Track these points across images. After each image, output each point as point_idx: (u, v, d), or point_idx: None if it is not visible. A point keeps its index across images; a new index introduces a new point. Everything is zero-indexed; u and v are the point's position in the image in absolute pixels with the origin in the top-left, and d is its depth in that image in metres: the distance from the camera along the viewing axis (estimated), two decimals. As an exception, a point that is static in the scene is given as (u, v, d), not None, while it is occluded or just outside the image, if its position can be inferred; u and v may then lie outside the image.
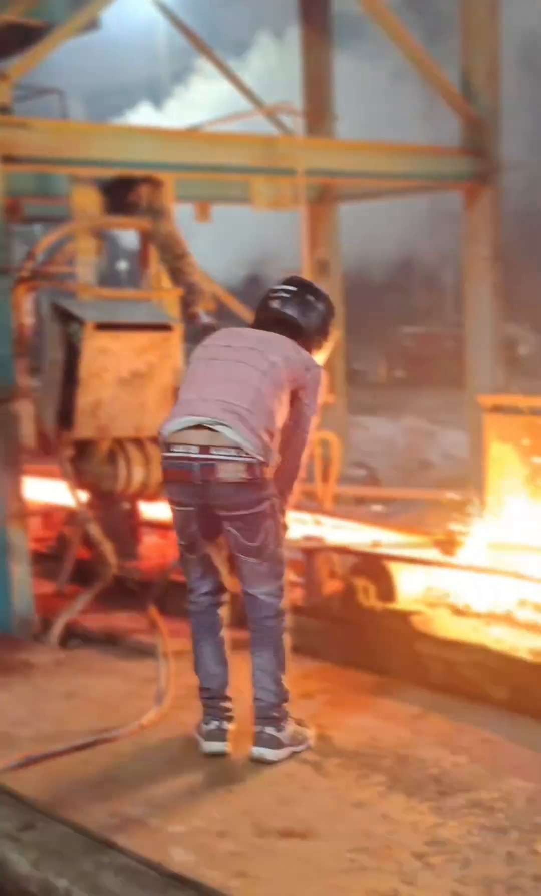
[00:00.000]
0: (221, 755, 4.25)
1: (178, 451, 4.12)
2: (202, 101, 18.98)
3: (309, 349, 4.37)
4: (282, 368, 4.16)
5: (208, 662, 4.36)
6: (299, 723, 4.34)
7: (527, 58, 20.91)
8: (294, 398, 4.23)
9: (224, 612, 4.40)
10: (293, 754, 4.22)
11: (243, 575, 4.25)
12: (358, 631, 5.51)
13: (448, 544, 5.85)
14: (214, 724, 4.30)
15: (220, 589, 4.37)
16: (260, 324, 4.43)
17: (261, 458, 4.05)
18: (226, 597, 4.41)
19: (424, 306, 24.65)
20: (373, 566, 5.76)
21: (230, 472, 4.05)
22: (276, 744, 4.16)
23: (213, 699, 4.33)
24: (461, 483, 9.14)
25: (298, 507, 6.48)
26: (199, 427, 4.08)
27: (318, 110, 10.15)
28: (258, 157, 7.68)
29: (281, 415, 4.17)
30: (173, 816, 3.73)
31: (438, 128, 11.21)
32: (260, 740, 4.18)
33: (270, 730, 4.17)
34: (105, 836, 3.59)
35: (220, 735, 4.28)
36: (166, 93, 23.66)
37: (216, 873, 3.34)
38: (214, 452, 4.06)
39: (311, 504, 6.99)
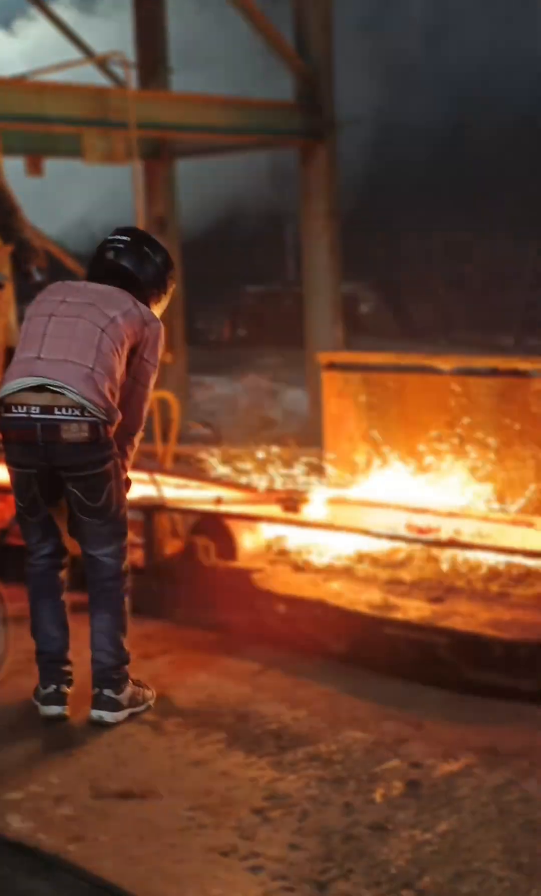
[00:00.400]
0: (60, 719, 4.18)
1: (18, 412, 4.00)
2: (29, 49, 18.44)
3: (146, 302, 4.25)
4: (121, 324, 4.06)
5: (47, 626, 4.27)
6: (139, 684, 4.30)
7: (368, 16, 21.01)
8: (133, 353, 4.15)
9: (64, 574, 4.32)
10: (133, 716, 4.18)
11: (84, 536, 4.17)
12: (199, 590, 5.50)
13: (291, 501, 5.88)
14: (52, 688, 4.22)
15: (60, 551, 4.29)
16: (94, 276, 4.29)
17: (104, 418, 3.97)
18: (66, 559, 4.33)
19: (266, 265, 24.65)
20: (213, 525, 5.75)
21: (73, 432, 3.95)
22: (115, 706, 4.12)
23: (51, 662, 4.26)
24: (302, 440, 9.22)
25: (139, 467, 6.42)
26: (40, 388, 3.97)
27: (152, 63, 9.98)
28: (90, 108, 7.54)
29: (121, 372, 4.09)
30: (10, 783, 3.66)
31: (281, 88, 11.20)
32: (98, 703, 4.13)
33: (108, 692, 4.13)
34: None
35: (58, 698, 4.21)
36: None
37: (53, 838, 3.29)
38: (57, 413, 3.96)
39: (151, 464, 6.93)
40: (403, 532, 5.46)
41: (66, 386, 3.93)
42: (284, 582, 5.21)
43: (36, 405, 3.95)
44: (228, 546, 5.65)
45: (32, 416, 3.97)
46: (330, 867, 3.16)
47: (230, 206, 23.27)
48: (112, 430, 4.03)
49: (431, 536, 5.36)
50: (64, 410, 3.95)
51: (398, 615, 4.74)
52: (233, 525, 5.69)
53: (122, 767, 3.80)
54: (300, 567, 5.38)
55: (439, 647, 4.57)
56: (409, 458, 5.99)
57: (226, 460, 9.23)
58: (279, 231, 24.08)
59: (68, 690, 4.24)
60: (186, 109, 8.35)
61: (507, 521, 5.47)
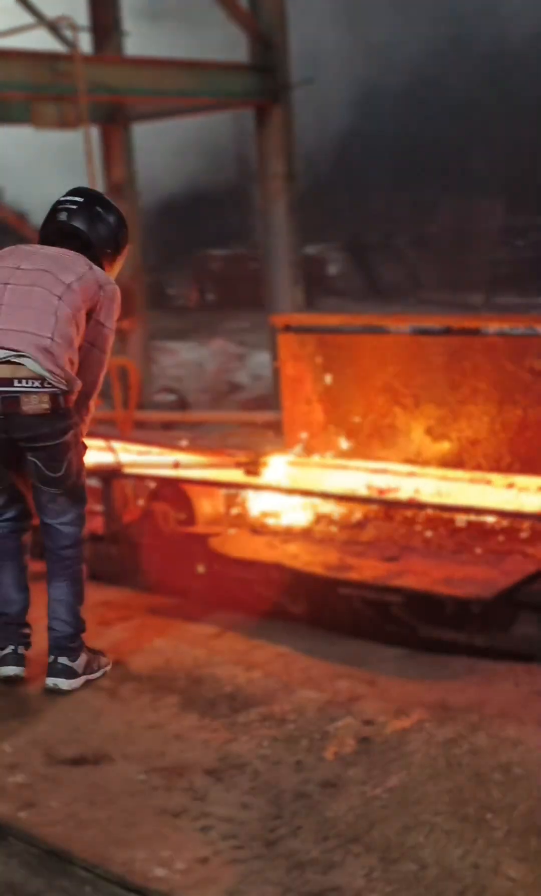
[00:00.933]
0: (15, 680, 4.18)
1: None
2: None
3: (100, 263, 4.19)
4: (77, 289, 4.00)
5: (8, 589, 4.26)
6: (95, 651, 4.32)
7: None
8: (89, 318, 4.09)
9: (27, 538, 4.30)
10: (88, 683, 4.20)
11: (41, 505, 4.14)
12: (157, 556, 5.53)
13: (252, 465, 5.89)
14: (9, 649, 4.22)
15: (24, 516, 4.27)
16: (47, 238, 4.24)
17: (64, 388, 3.94)
18: (29, 523, 4.30)
19: (232, 228, 24.55)
20: (172, 491, 5.77)
21: (34, 404, 3.92)
22: (70, 673, 4.13)
23: (9, 625, 4.25)
24: (267, 404, 9.23)
25: (98, 434, 6.43)
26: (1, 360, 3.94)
27: (105, 26, 9.85)
28: (39, 75, 7.45)
29: (80, 338, 4.07)
30: (-37, 753, 3.68)
31: (236, 51, 11.10)
32: (54, 670, 4.14)
33: (63, 660, 4.14)
34: None
35: (15, 659, 4.21)
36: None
37: (4, 806, 3.31)
38: (17, 385, 3.92)
39: (112, 432, 6.94)
40: (363, 493, 5.50)
41: (24, 355, 3.90)
42: (241, 545, 5.25)
43: None
44: (185, 511, 5.67)
45: None
46: (279, 825, 3.20)
47: (196, 168, 23.11)
48: (72, 399, 4.01)
49: (390, 496, 5.39)
50: (24, 382, 3.92)
51: (353, 575, 4.78)
52: (191, 490, 5.71)
53: (76, 733, 3.82)
54: (257, 530, 5.41)
55: (393, 606, 4.62)
56: (365, 419, 6.00)
57: (191, 425, 9.26)
58: (246, 192, 23.94)
59: (25, 652, 4.24)
60: (139, 73, 8.26)
61: (465, 479, 5.50)
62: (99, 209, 4.22)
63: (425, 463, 5.76)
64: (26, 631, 4.27)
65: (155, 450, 6.53)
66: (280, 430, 6.55)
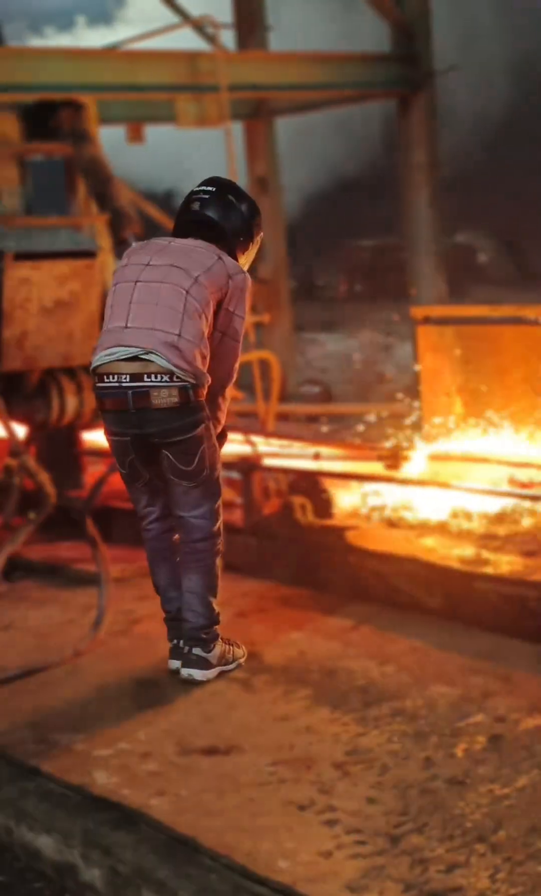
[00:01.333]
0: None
1: (110, 381, 4.06)
2: (141, 18, 18.52)
3: (233, 253, 4.24)
4: (205, 283, 4.06)
5: (166, 587, 4.36)
6: (230, 642, 4.37)
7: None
8: (220, 307, 4.14)
9: (177, 536, 4.35)
10: (223, 674, 4.27)
11: (175, 497, 4.21)
12: (295, 548, 5.56)
13: (393, 458, 5.87)
14: (174, 642, 4.33)
15: (168, 515, 4.33)
16: (181, 227, 4.30)
17: (193, 382, 4.01)
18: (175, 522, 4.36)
19: (381, 217, 24.42)
20: (310, 483, 5.79)
21: (164, 398, 4.00)
22: (204, 664, 4.20)
23: (173, 621, 4.35)
24: (413, 395, 9.16)
25: (238, 428, 6.50)
26: (130, 357, 4.03)
27: (248, 22, 9.92)
28: (181, 74, 7.57)
29: (209, 331, 4.11)
30: (99, 740, 3.78)
31: (376, 38, 11.02)
32: (188, 661, 4.22)
33: (197, 651, 4.21)
34: (31, 763, 3.64)
35: (178, 653, 4.30)
36: (106, 13, 23.15)
37: (136, 793, 3.39)
38: (147, 380, 4.01)
39: (254, 424, 7.01)
40: (505, 487, 5.41)
41: (153, 352, 3.99)
42: (378, 539, 5.24)
43: (126, 374, 4.01)
44: (323, 504, 5.69)
45: (123, 384, 4.02)
46: (405, 821, 3.20)
47: (345, 156, 23.05)
48: (202, 392, 4.06)
49: (533, 491, 5.30)
50: (153, 377, 3.99)
51: (490, 570, 4.72)
52: (329, 483, 5.73)
53: (208, 724, 3.89)
54: (394, 523, 5.39)
55: (530, 601, 4.54)
56: (506, 412, 5.92)
57: (334, 417, 9.28)
58: (395, 181, 23.76)
59: None
60: (282, 68, 8.30)
61: None
62: (231, 198, 4.26)
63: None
64: None
65: (296, 443, 6.57)
66: (415, 423, 6.52)
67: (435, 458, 5.94)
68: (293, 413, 9.10)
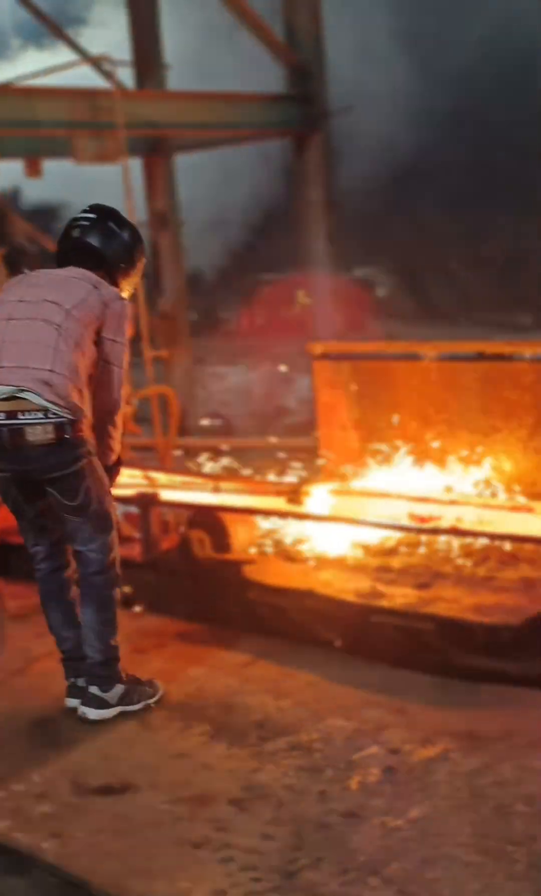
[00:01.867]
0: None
1: None
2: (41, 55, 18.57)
3: (114, 280, 4.24)
4: (78, 316, 4.02)
5: (58, 627, 4.31)
6: (142, 682, 4.29)
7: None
8: (99, 336, 4.10)
9: (70, 573, 4.31)
10: (127, 713, 4.19)
11: (69, 533, 4.18)
12: (193, 583, 5.57)
13: (294, 493, 5.87)
14: (71, 681, 4.29)
15: (58, 551, 4.29)
16: (62, 254, 4.27)
17: (69, 417, 3.99)
18: (65, 559, 4.32)
19: (284, 253, 24.69)
20: (207, 518, 5.81)
21: (39, 434, 3.96)
22: (98, 703, 4.16)
23: (69, 660, 4.31)
24: (313, 429, 9.24)
25: (137, 463, 6.49)
26: (5, 396, 4.01)
27: (146, 60, 10.00)
28: (79, 110, 7.59)
29: (86, 364, 4.06)
30: (-7, 783, 3.74)
31: (272, 78, 11.17)
32: (85, 699, 4.19)
33: (94, 689, 4.17)
34: None
35: (76, 692, 4.26)
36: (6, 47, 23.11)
37: (29, 836, 3.36)
38: (21, 417, 3.99)
39: (152, 459, 7.00)
40: (405, 522, 5.46)
41: (27, 389, 3.96)
42: (275, 573, 5.27)
43: (1, 412, 4.00)
44: (221, 538, 5.71)
45: None
46: (299, 856, 3.21)
47: (246, 194, 23.28)
48: (80, 426, 4.02)
49: (432, 525, 5.36)
50: (27, 414, 3.97)
51: (385, 602, 4.78)
52: (226, 518, 5.75)
53: (105, 763, 3.87)
54: (292, 557, 5.43)
55: (425, 633, 4.61)
56: (401, 446, 6.01)
57: (233, 451, 9.30)
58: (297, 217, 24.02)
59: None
60: (180, 107, 8.38)
61: (507, 507, 5.43)
62: (112, 224, 4.26)
63: (459, 490, 5.75)
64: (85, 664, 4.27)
65: (196, 478, 6.57)
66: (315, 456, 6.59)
67: (337, 493, 5.98)
68: (193, 446, 9.11)
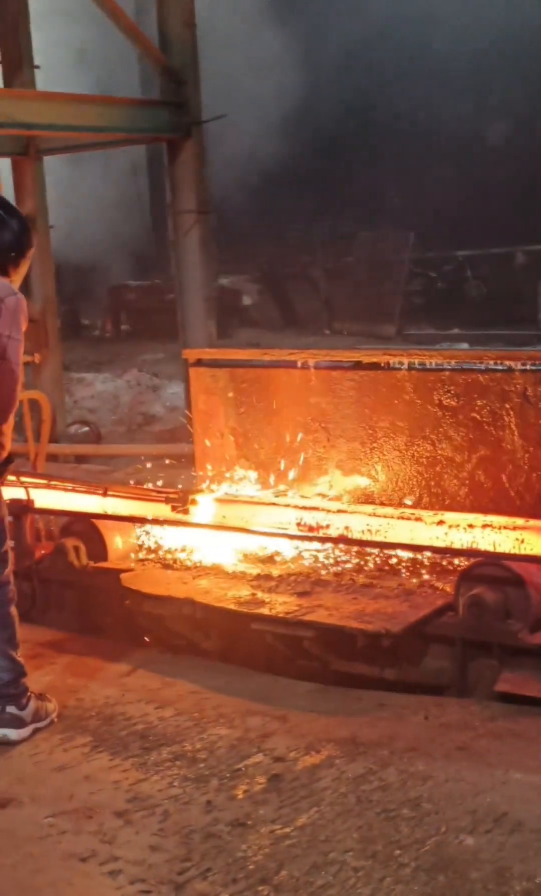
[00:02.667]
0: None
1: None
2: None
3: (4, 270, 4.12)
4: None
5: None
6: (42, 697, 4.21)
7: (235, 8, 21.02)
8: None
9: None
10: (37, 731, 4.09)
11: None
12: (70, 592, 5.48)
13: (180, 501, 5.76)
14: None
15: None
16: None
17: None
18: None
19: (149, 259, 24.54)
20: (83, 526, 5.72)
21: None
22: (18, 723, 4.03)
23: None
24: (181, 436, 9.20)
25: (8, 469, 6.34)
26: None
27: (15, 60, 9.80)
28: (-53, 108, 7.38)
29: None
30: None
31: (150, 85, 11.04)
32: (2, 721, 4.04)
33: (11, 709, 4.04)
34: None
35: None
36: None
37: None
38: None
39: (24, 465, 6.85)
40: (294, 530, 5.42)
41: None
42: (153, 581, 5.21)
43: None
44: (98, 547, 5.63)
45: None
46: (188, 867, 3.19)
47: (113, 197, 23.11)
48: None
49: (321, 534, 5.34)
50: None
51: (265, 610, 4.78)
52: (102, 525, 5.67)
53: (-17, 777, 3.77)
54: (169, 565, 5.39)
55: (305, 640, 4.62)
56: (277, 454, 6.02)
57: (104, 458, 9.20)
58: (161, 223, 23.96)
59: None
60: (52, 108, 8.24)
61: (395, 516, 5.42)
62: (0, 213, 4.13)
63: (338, 498, 5.79)
64: None
65: (81, 486, 6.40)
66: (192, 464, 6.54)
67: (223, 501, 5.90)
68: (62, 453, 8.98)
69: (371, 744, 3.93)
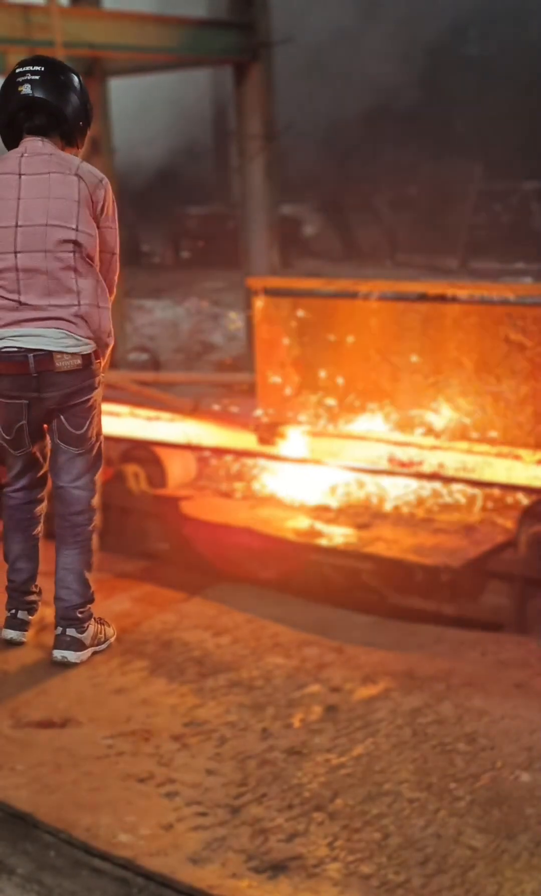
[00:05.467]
0: (17, 643, 4.13)
1: (8, 344, 3.79)
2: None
3: (75, 141, 3.80)
4: (85, 230, 3.71)
5: (16, 558, 4.17)
6: (101, 621, 4.21)
7: None
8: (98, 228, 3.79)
9: (41, 509, 4.17)
10: (95, 654, 4.09)
11: (58, 466, 4.00)
12: (128, 517, 5.52)
13: (268, 433, 5.71)
14: (11, 612, 4.18)
15: (37, 485, 4.13)
16: (11, 119, 3.77)
17: (94, 347, 3.80)
18: (43, 494, 4.17)
19: (210, 185, 24.35)
20: (143, 452, 5.74)
21: (66, 360, 3.77)
22: (78, 646, 4.03)
23: (15, 591, 4.19)
24: (241, 365, 9.18)
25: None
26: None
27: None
28: (14, 27, 7.30)
29: (100, 269, 3.82)
30: None
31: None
32: (61, 643, 4.03)
33: (71, 631, 4.03)
34: None
35: (17, 624, 4.16)
36: None
37: (-31, 769, 3.31)
38: (47, 346, 3.78)
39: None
40: (385, 465, 5.35)
41: (52, 328, 3.74)
42: (212, 509, 5.23)
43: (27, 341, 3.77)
44: (158, 473, 5.65)
45: (24, 347, 3.77)
46: (244, 792, 3.21)
47: (176, 122, 22.88)
48: (102, 354, 3.87)
49: (413, 470, 5.27)
50: (54, 342, 3.76)
51: (324, 541, 4.78)
52: (163, 452, 5.68)
53: (43, 696, 3.81)
54: (228, 495, 5.40)
55: (363, 573, 4.62)
56: (338, 384, 5.98)
57: (164, 385, 9.19)
58: (225, 149, 23.72)
59: (29, 618, 4.17)
60: (117, 28, 8.12)
61: (492, 453, 5.33)
62: (62, 77, 3.76)
63: (401, 430, 5.74)
64: (32, 598, 4.19)
65: (160, 411, 6.36)
66: (254, 392, 6.52)
67: (313, 434, 5.82)
68: (122, 381, 8.98)
69: (428, 678, 3.92)
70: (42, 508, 4.18)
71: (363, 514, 5.00)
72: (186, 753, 3.43)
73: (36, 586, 4.21)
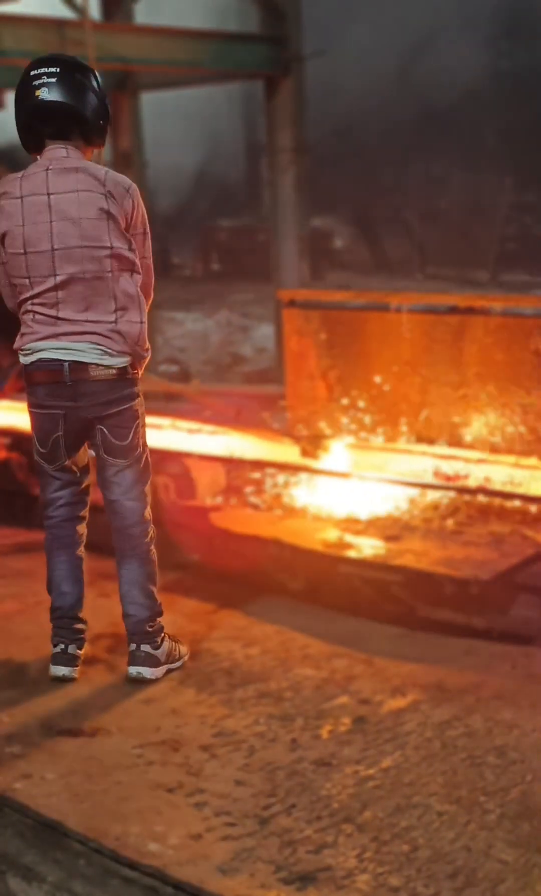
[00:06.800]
0: (66, 680, 3.98)
1: (44, 355, 3.80)
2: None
3: (94, 141, 3.76)
4: (119, 246, 3.71)
5: (61, 581, 4.06)
6: (174, 639, 4.15)
7: None
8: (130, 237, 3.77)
9: (83, 528, 4.09)
10: (169, 671, 4.05)
11: (107, 480, 3.95)
12: (158, 529, 5.51)
13: (310, 445, 5.69)
14: (60, 647, 4.03)
15: (78, 502, 4.05)
16: (27, 123, 3.69)
17: (129, 360, 3.79)
18: (86, 511, 4.09)
19: (241, 198, 24.44)
20: (172, 464, 5.76)
21: (101, 371, 3.76)
22: (153, 662, 3.99)
23: (62, 619, 4.05)
24: (270, 377, 9.20)
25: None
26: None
27: (115, -7, 9.74)
28: (48, 41, 7.36)
29: (135, 285, 3.80)
30: (-40, 723, 3.70)
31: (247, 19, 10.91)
32: (136, 659, 3.98)
33: (146, 647, 3.98)
34: None
35: (67, 660, 4.02)
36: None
37: (1, 776, 3.33)
38: (82, 358, 3.77)
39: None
40: (430, 479, 5.30)
41: (86, 343, 3.75)
42: (241, 520, 5.24)
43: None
44: (187, 484, 5.67)
45: (59, 357, 3.78)
46: (273, 802, 3.22)
47: (207, 136, 23.00)
48: (139, 364, 3.86)
49: (459, 484, 5.24)
50: (89, 354, 3.77)
51: (353, 553, 4.78)
52: (192, 464, 5.71)
53: (73, 706, 3.83)
54: (257, 506, 5.41)
55: (393, 585, 4.62)
56: (367, 397, 5.98)
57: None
58: (256, 163, 23.81)
59: (79, 653, 4.04)
60: (149, 42, 8.18)
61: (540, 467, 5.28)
62: (79, 76, 3.66)
63: (430, 442, 5.74)
64: (80, 627, 4.06)
65: (203, 426, 6.37)
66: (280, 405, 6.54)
67: (355, 447, 5.80)
68: (152, 391, 9.02)
69: (457, 690, 3.92)
70: (84, 528, 4.09)
71: (392, 527, 5.00)
72: (214, 764, 3.44)
73: (82, 616, 4.09)
